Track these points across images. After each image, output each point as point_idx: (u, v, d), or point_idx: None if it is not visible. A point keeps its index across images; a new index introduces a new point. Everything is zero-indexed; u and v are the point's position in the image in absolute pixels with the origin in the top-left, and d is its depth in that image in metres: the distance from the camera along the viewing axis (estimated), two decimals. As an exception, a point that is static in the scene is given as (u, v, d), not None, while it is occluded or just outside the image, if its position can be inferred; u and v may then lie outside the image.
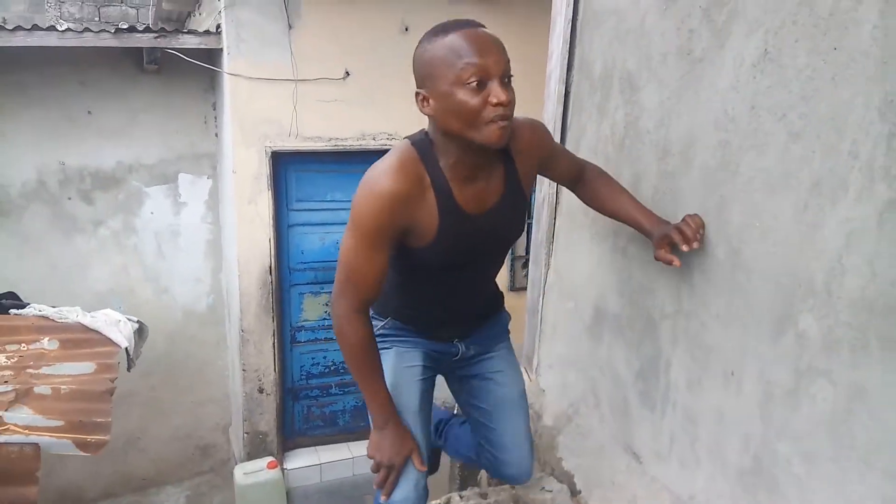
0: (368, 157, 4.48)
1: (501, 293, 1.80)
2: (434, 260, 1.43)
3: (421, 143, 1.36)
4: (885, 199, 1.12)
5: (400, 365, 1.62)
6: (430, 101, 1.27)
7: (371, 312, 1.57)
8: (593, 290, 2.15)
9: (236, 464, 4.80)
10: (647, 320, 1.84)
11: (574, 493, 2.04)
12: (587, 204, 1.76)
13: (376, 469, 1.54)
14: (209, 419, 5.46)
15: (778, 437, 1.37)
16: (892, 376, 1.10)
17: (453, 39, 1.22)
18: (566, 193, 2.35)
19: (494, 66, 1.22)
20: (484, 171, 1.42)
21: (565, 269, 2.39)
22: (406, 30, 4.26)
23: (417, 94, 1.29)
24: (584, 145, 2.24)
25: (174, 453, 5.41)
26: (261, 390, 4.59)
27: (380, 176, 1.30)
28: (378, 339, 1.56)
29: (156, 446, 5.31)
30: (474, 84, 1.20)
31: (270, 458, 4.61)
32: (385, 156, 1.38)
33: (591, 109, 2.19)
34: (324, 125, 4.27)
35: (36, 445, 2.10)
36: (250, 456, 4.73)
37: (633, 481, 1.86)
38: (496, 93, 1.21)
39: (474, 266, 1.56)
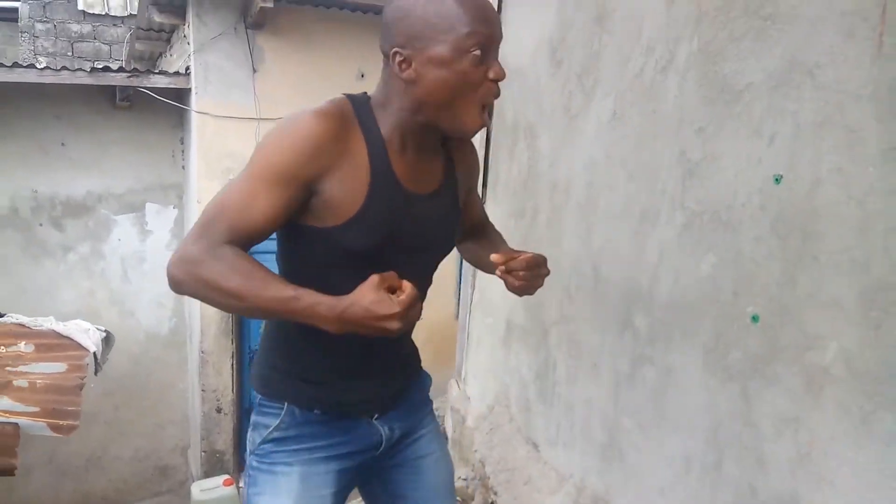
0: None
1: (417, 348, 1.40)
2: (354, 244, 1.09)
3: (359, 100, 1.13)
4: (681, 223, 1.50)
5: (306, 493, 1.18)
6: (414, 64, 1.05)
7: (259, 400, 1.20)
8: (506, 307, 2.51)
9: (193, 482, 4.98)
10: (541, 329, 2.20)
11: (483, 479, 2.36)
12: (463, 252, 1.48)
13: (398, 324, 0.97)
14: (169, 440, 5.64)
15: (622, 413, 1.72)
16: (690, 358, 1.47)
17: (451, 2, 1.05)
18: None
19: (497, 39, 1.07)
20: (426, 153, 1.18)
21: (487, 288, 2.75)
22: (362, 76, 4.67)
23: (396, 53, 1.05)
24: (500, 182, 2.63)
25: (134, 474, 5.56)
26: (219, 410, 4.82)
27: (299, 116, 1.05)
28: (275, 454, 1.18)
29: (116, 466, 5.46)
30: (477, 53, 1.03)
31: (226, 476, 4.81)
32: None
33: (504, 153, 2.59)
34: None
35: (15, 425, 2.40)
36: (207, 474, 4.92)
37: (531, 466, 2.19)
38: (496, 68, 1.05)
39: (405, 267, 1.09)
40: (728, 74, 1.36)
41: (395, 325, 0.94)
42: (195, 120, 4.47)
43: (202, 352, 4.78)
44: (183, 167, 5.15)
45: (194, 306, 4.86)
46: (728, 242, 1.34)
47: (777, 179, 1.22)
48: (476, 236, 1.43)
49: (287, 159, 1.03)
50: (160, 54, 5.65)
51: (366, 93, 1.17)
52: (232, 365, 4.83)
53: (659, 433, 1.59)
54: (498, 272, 1.15)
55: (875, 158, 1.03)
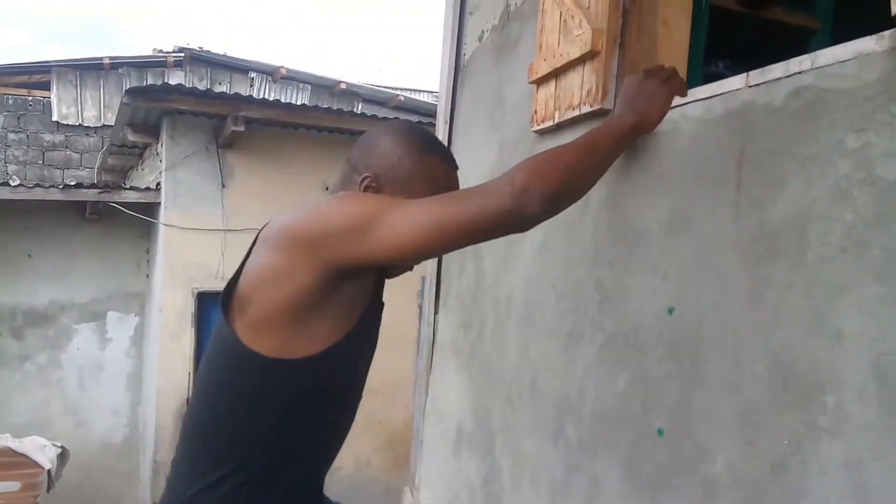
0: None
1: None
2: (342, 367, 1.10)
3: None
4: (600, 343, 1.69)
5: None
6: (383, 191, 1.15)
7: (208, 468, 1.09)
8: (457, 413, 2.63)
9: None
10: (488, 436, 2.33)
11: (435, 590, 2.40)
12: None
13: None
14: (117, 557, 5.39)
15: (560, 520, 1.84)
16: (612, 469, 1.62)
17: (437, 165, 1.21)
18: (441, 331, 2.90)
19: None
20: None
21: (439, 396, 2.88)
22: (327, 189, 4.95)
23: (367, 178, 1.15)
24: (451, 295, 2.83)
25: None
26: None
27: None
28: None
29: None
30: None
31: None
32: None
33: (455, 269, 2.81)
34: (248, 269, 4.77)
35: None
36: None
37: (480, 575, 2.25)
38: None
39: (359, 393, 1.22)
40: (631, 219, 1.61)
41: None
42: (162, 232, 4.64)
43: (155, 461, 4.70)
44: (147, 276, 5.25)
45: (150, 415, 4.82)
46: (637, 363, 1.53)
47: (670, 311, 1.43)
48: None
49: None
50: (131, 167, 5.87)
51: None
52: (187, 476, 4.74)
53: (592, 540, 1.70)
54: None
55: (741, 297, 1.25)
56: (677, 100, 1.47)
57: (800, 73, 1.15)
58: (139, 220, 4.85)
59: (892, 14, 0.94)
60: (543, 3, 1.99)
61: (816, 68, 1.12)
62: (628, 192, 1.63)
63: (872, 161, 1.01)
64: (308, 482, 1.17)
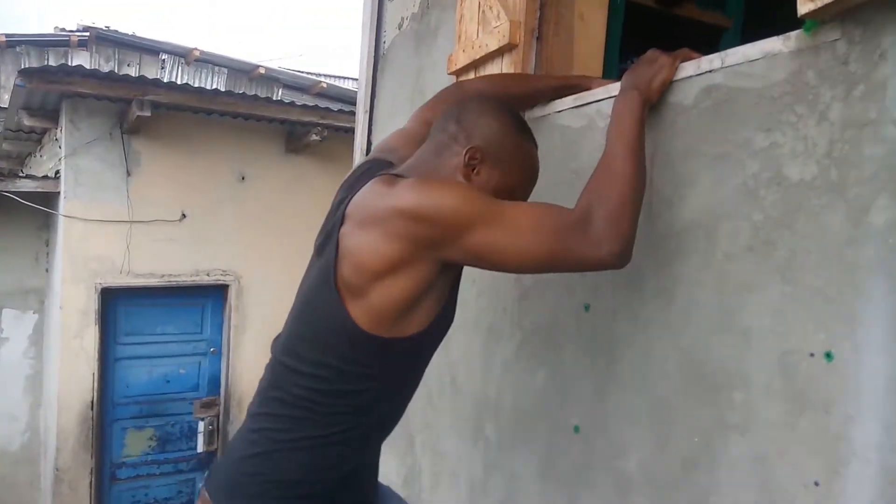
0: (202, 291, 4.82)
1: None
2: (434, 342, 1.19)
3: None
4: (519, 339, 1.68)
5: None
6: (481, 168, 1.16)
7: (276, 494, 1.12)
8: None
9: None
10: (408, 435, 2.28)
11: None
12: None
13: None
14: (14, 572, 5.03)
15: (479, 519, 1.82)
16: (530, 466, 1.61)
17: (534, 153, 1.26)
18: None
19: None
20: None
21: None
22: (243, 179, 4.76)
23: (473, 150, 1.16)
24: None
25: None
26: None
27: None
28: None
29: None
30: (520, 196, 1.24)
31: None
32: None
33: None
34: (157, 262, 4.53)
35: None
36: None
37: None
38: None
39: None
40: (548, 214, 1.59)
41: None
42: (62, 224, 4.32)
43: (57, 469, 4.41)
44: (46, 271, 4.90)
45: (51, 419, 4.51)
46: (554, 360, 1.53)
47: (586, 307, 1.42)
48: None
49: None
50: (29, 154, 5.46)
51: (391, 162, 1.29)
52: (90, 482, 4.47)
53: (510, 537, 1.69)
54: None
55: (653, 295, 1.26)
56: (590, 95, 1.47)
57: (710, 71, 1.15)
58: (37, 211, 4.50)
59: (799, 15, 0.94)
60: (462, -8, 1.94)
61: (726, 67, 1.12)
62: (547, 186, 1.61)
63: (779, 161, 1.02)
64: (378, 451, 1.32)
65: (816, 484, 0.93)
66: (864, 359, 0.87)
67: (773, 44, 1.04)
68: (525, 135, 1.25)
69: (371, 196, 1.10)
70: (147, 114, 4.10)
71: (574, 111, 1.53)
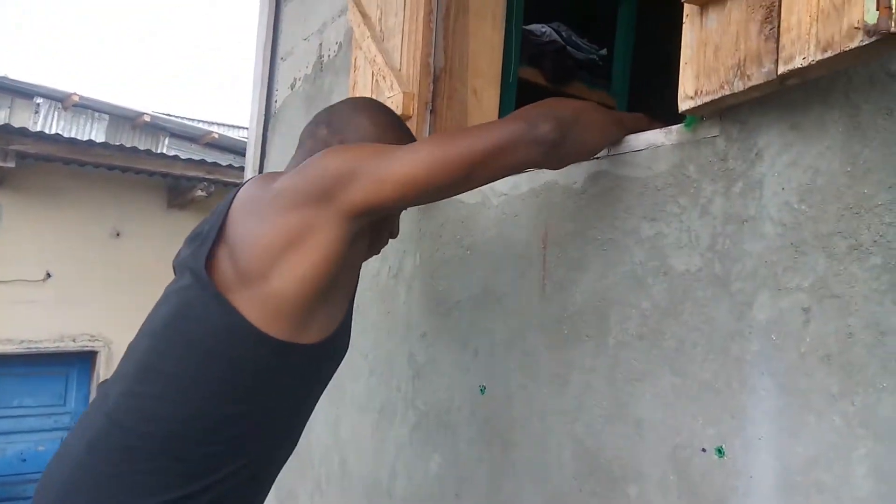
0: (67, 358, 4.38)
1: None
2: (333, 357, 1.09)
3: None
4: (413, 421, 1.60)
5: None
6: None
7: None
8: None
9: None
10: (294, 521, 2.12)
11: None
12: None
13: None
14: None
15: None
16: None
17: None
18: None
19: None
20: None
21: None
22: (118, 235, 4.43)
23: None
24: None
25: None
26: None
27: None
28: None
29: None
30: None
31: None
32: None
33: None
34: (16, 327, 4.09)
35: None
36: None
37: None
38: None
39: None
40: (443, 290, 1.55)
41: None
42: None
43: None
44: None
45: None
46: (449, 444, 1.46)
47: (482, 390, 1.38)
48: None
49: None
50: None
51: None
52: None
53: None
54: None
55: (548, 379, 1.23)
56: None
57: (598, 158, 1.16)
58: None
59: (679, 111, 0.97)
60: (356, 59, 1.92)
61: (613, 155, 1.14)
62: (440, 262, 1.57)
63: (664, 251, 1.03)
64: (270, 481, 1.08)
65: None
66: (754, 456, 0.87)
67: (655, 136, 1.06)
68: (403, 131, 1.19)
69: (254, 189, 1.01)
70: (10, 165, 3.76)
71: (467, 186, 1.51)
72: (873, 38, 0.68)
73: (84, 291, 4.32)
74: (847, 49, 0.71)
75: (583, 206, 1.19)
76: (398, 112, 1.66)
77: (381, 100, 1.76)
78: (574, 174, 1.21)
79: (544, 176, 1.28)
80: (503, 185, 1.39)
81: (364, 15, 1.88)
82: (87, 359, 4.43)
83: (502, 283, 1.36)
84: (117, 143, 4.33)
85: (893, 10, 0.67)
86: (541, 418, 1.23)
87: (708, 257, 0.96)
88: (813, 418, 0.82)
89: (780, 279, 0.87)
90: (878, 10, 0.67)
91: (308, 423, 2.08)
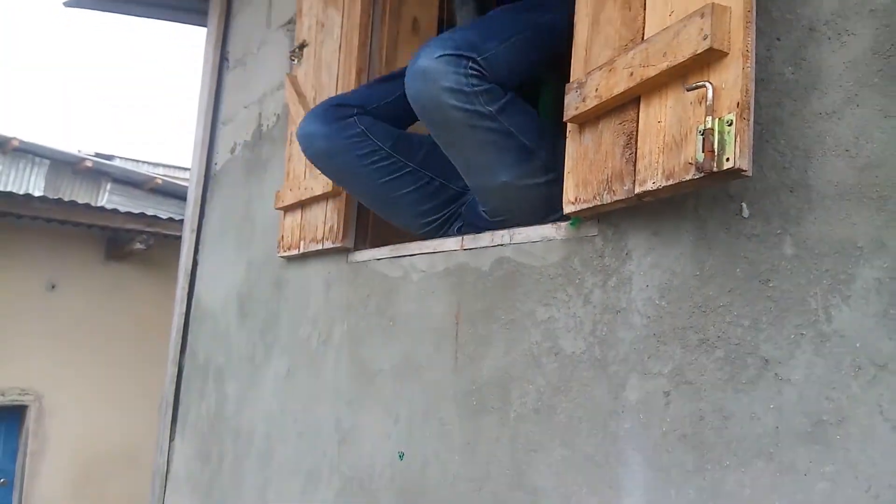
0: (-5, 416, 4.23)
1: None
2: None
3: None
4: (338, 486, 1.66)
5: None
6: None
7: None
8: None
9: None
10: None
11: None
12: None
13: None
14: None
15: None
16: None
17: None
18: (177, 461, 2.63)
19: None
20: None
21: None
22: (53, 287, 4.35)
23: None
24: (189, 422, 2.60)
25: None
26: None
27: None
28: None
29: None
30: None
31: None
32: None
33: (195, 391, 2.60)
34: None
35: None
36: None
37: None
38: None
39: None
40: (368, 358, 1.63)
41: None
42: None
43: None
44: None
45: None
46: (371, 509, 1.53)
47: (401, 456, 1.46)
48: None
49: None
50: None
51: None
52: None
53: None
54: None
55: (459, 447, 1.32)
56: (408, 248, 1.57)
57: (502, 244, 1.29)
58: None
59: (564, 213, 1.10)
60: (291, 134, 2.02)
61: (514, 244, 1.26)
62: (366, 330, 1.66)
63: (556, 333, 1.15)
64: None
65: None
66: (627, 524, 0.98)
67: (548, 230, 1.19)
68: None
69: None
70: (-60, 216, 3.70)
71: (391, 261, 1.62)
72: (700, 175, 0.83)
73: (15, 345, 4.21)
74: (684, 179, 0.86)
75: (490, 287, 1.31)
76: (328, 188, 1.77)
77: (313, 174, 1.86)
78: (483, 258, 1.33)
79: (457, 257, 1.40)
80: (422, 262, 1.51)
81: (299, 94, 1.99)
82: (15, 413, 4.29)
83: (421, 354, 1.46)
84: (56, 197, 4.29)
85: (715, 154, 0.81)
86: (452, 485, 1.31)
87: (590, 341, 1.09)
88: (673, 491, 0.94)
89: (646, 364, 0.99)
90: (703, 151, 0.82)
91: (237, 485, 2.10)
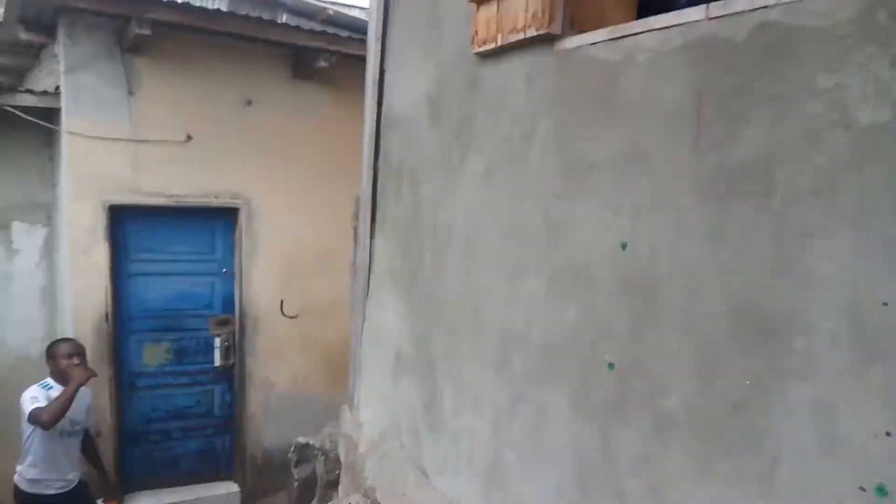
0: (212, 213, 4.77)
1: None
2: None
3: None
4: (548, 276, 1.67)
5: None
6: None
7: None
8: (395, 338, 2.61)
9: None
10: (428, 361, 2.32)
11: (375, 505, 2.46)
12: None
13: None
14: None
15: (503, 444, 1.88)
16: (559, 398, 1.63)
17: None
18: (378, 257, 2.83)
19: None
20: None
21: (377, 320, 2.84)
22: (249, 103, 4.62)
23: None
24: (388, 221, 2.74)
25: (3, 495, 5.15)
26: (97, 434, 4.58)
27: None
28: None
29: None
30: None
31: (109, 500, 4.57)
32: None
33: (391, 193, 2.71)
34: (165, 182, 4.47)
35: None
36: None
37: (420, 492, 2.31)
38: None
39: None
40: (580, 151, 1.55)
41: None
42: (65, 140, 4.23)
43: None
44: (53, 185, 4.85)
45: (68, 329, 4.60)
46: (587, 297, 1.53)
47: (623, 246, 1.41)
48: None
49: None
50: (27, 69, 5.27)
51: None
52: (109, 389, 4.60)
53: (534, 465, 1.75)
54: None
55: (700, 237, 1.24)
56: (631, 27, 1.40)
57: (765, 7, 1.09)
58: (39, 127, 4.40)
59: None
60: None
61: (784, 3, 1.06)
62: (577, 123, 1.56)
63: (846, 103, 0.98)
64: None
65: (888, 434, 0.93)
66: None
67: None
68: None
69: None
70: (147, 33, 3.93)
71: (609, 45, 1.47)
72: None
73: (222, 154, 4.62)
74: None
75: (746, 59, 1.13)
76: None
77: None
78: (737, 26, 1.14)
79: (700, 29, 1.22)
80: (650, 40, 1.34)
81: None
82: (229, 214, 4.82)
83: (648, 142, 1.35)
84: (242, 13, 4.42)
85: None
86: (690, 274, 1.25)
87: (897, 110, 0.91)
88: None
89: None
90: None
91: (439, 275, 2.19)
